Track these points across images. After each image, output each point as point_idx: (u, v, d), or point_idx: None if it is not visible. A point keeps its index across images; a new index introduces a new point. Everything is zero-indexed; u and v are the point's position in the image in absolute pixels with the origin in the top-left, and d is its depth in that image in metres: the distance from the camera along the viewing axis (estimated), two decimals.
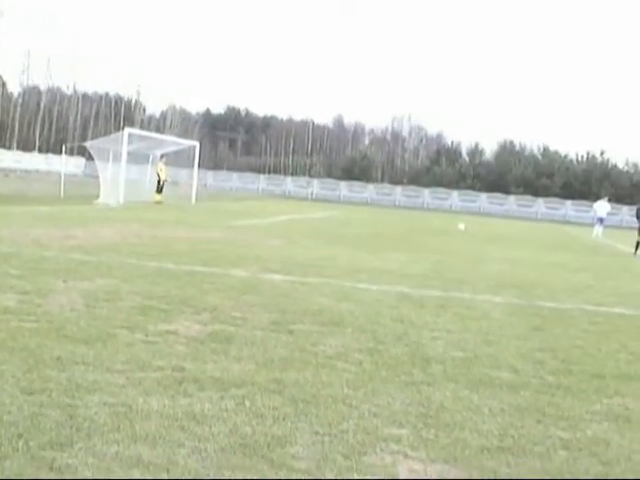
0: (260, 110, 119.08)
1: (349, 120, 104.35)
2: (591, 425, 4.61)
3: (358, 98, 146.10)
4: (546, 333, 7.55)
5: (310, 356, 5.74)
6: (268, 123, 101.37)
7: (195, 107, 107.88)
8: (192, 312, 7.14)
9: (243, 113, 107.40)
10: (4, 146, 70.78)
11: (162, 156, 32.51)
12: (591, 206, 41.60)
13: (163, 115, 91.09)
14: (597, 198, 43.50)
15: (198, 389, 4.66)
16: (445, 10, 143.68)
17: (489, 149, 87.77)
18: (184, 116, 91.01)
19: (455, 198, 67.13)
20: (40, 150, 73.50)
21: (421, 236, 23.57)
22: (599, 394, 5.34)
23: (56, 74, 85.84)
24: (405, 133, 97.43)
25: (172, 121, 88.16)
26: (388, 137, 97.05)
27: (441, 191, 68.52)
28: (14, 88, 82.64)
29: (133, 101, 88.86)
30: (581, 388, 5.46)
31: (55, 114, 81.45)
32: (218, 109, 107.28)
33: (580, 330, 7.89)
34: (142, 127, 65.68)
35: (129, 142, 29.01)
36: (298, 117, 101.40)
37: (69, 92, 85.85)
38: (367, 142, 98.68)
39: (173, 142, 37.79)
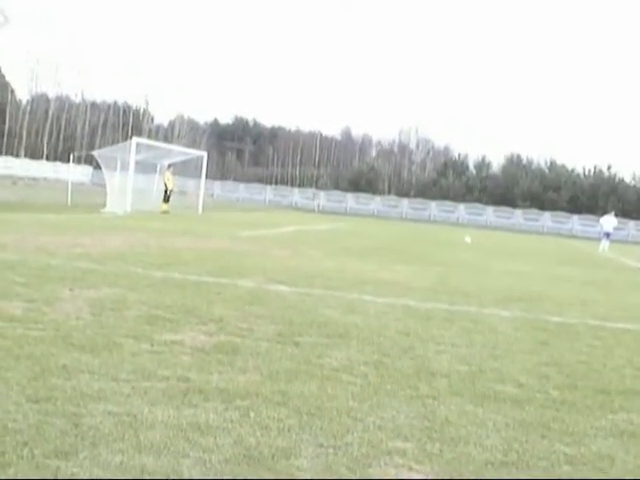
0: (268, 121, 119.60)
1: (357, 132, 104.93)
2: (596, 440, 4.59)
3: (366, 110, 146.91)
4: (552, 348, 7.52)
5: (315, 368, 5.74)
6: (276, 134, 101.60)
7: (203, 117, 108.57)
8: (198, 322, 7.14)
9: (251, 124, 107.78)
10: (12, 154, 71.23)
11: (169, 166, 32.62)
12: (598, 220, 41.59)
13: (171, 125, 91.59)
14: (604, 212, 43.56)
15: (203, 400, 4.66)
16: (453, 23, 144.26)
17: (496, 162, 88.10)
18: (192, 126, 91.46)
19: (462, 211, 67.20)
20: (48, 158, 73.92)
21: (427, 248, 23.57)
22: (604, 409, 5.33)
23: (65, 82, 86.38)
24: (412, 145, 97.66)
25: (180, 131, 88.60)
26: (395, 149, 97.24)
27: (448, 204, 68.64)
28: (22, 96, 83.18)
29: (141, 110, 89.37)
30: (586, 403, 5.44)
31: (63, 122, 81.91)
32: (226, 119, 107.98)
33: (585, 345, 7.87)
34: (150, 136, 66.10)
35: (137, 151, 29.18)
36: (306, 128, 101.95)
37: (77, 100, 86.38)
38: (374, 154, 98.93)
39: (181, 152, 37.93)
